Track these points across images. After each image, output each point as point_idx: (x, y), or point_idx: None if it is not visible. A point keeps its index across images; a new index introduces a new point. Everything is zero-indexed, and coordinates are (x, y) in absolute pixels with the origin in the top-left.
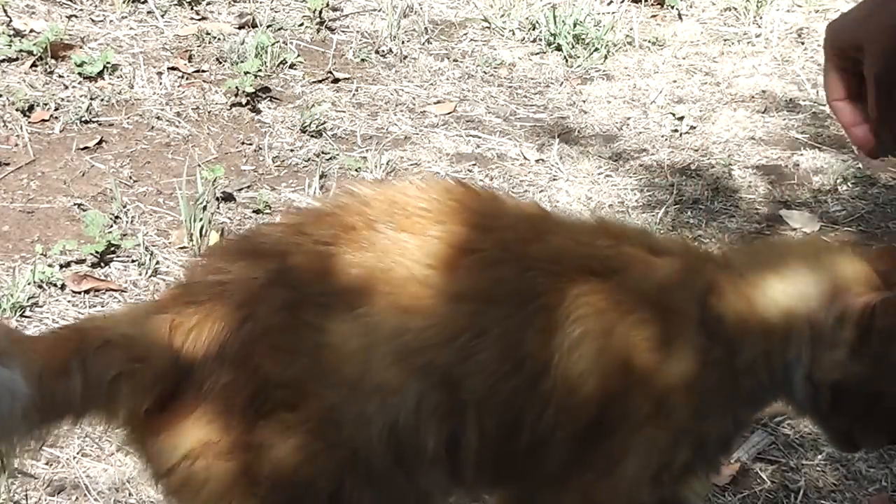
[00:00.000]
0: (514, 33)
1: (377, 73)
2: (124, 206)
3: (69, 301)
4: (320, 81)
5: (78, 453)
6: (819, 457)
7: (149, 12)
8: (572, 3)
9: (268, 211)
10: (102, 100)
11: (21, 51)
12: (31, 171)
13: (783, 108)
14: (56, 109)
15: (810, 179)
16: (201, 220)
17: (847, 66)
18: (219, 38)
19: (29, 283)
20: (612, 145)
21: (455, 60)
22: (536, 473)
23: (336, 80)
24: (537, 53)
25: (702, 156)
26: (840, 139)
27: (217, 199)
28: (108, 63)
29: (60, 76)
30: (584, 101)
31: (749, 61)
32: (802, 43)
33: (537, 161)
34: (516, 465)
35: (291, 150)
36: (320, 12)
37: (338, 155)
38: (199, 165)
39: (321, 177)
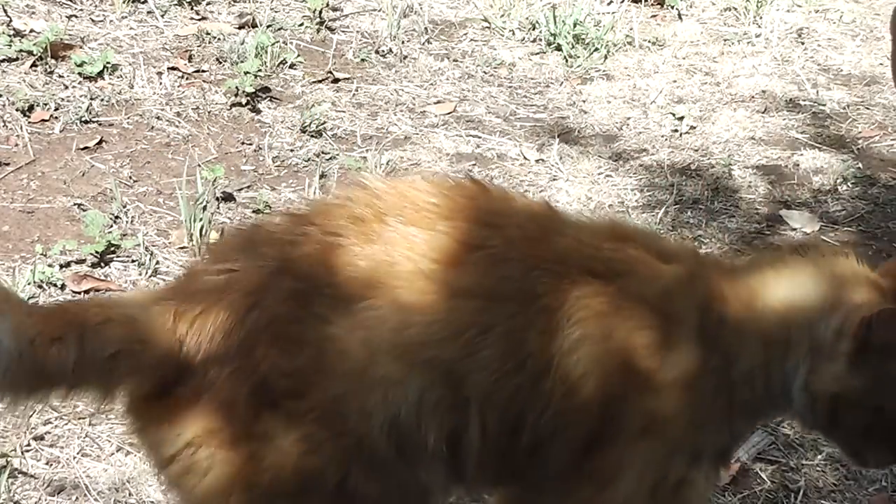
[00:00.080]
0: (514, 33)
1: (377, 73)
2: (124, 206)
3: (69, 301)
4: (320, 81)
5: (78, 453)
6: (819, 457)
7: (149, 12)
8: (572, 3)
9: (268, 211)
10: (102, 100)
11: (21, 51)
12: (31, 171)
13: (783, 108)
14: (56, 109)
15: (810, 179)
16: (201, 220)
17: None
18: (219, 38)
19: (29, 283)
20: (612, 145)
21: (455, 60)
22: (537, 475)
23: (336, 80)
24: (537, 53)
25: (702, 156)
26: (840, 139)
27: (217, 199)
28: (108, 63)
29: (60, 76)
30: (584, 101)
31: (749, 61)
32: (802, 43)
33: (537, 161)
34: (518, 465)
35: (291, 150)
36: (320, 12)
37: (338, 155)
38: (199, 165)
39: (321, 177)
